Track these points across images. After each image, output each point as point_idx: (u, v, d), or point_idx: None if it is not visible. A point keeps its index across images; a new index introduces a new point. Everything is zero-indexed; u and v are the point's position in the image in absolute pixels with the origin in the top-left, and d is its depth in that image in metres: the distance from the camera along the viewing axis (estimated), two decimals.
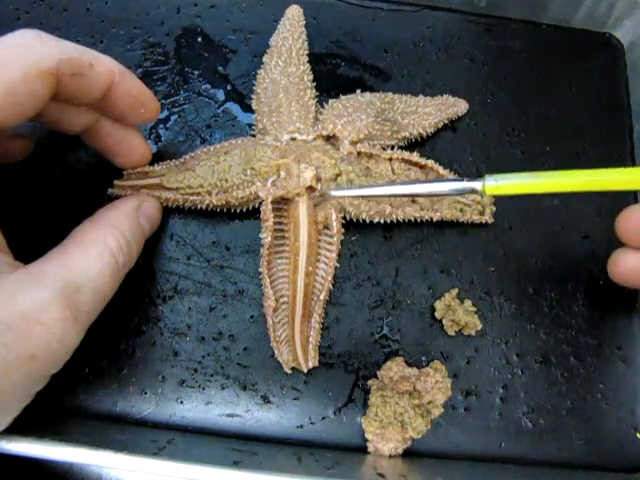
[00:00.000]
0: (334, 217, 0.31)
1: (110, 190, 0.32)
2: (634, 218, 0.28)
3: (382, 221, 0.32)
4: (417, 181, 0.31)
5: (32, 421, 0.25)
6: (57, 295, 0.23)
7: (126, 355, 0.31)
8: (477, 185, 0.27)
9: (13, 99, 0.23)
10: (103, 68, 0.26)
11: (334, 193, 0.31)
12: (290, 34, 0.35)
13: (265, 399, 0.30)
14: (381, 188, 0.30)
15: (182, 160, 0.32)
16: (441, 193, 0.29)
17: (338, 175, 0.31)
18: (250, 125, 0.35)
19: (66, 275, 0.24)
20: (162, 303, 0.32)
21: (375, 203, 0.31)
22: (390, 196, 0.31)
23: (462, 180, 0.28)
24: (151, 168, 0.32)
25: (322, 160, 0.31)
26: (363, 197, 0.31)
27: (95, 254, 0.25)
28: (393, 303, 0.33)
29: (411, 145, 0.36)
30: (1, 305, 0.22)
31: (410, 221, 0.33)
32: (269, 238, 0.30)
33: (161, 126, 0.35)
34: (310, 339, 0.30)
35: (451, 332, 0.32)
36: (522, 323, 0.33)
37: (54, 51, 0.24)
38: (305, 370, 0.30)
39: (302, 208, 0.31)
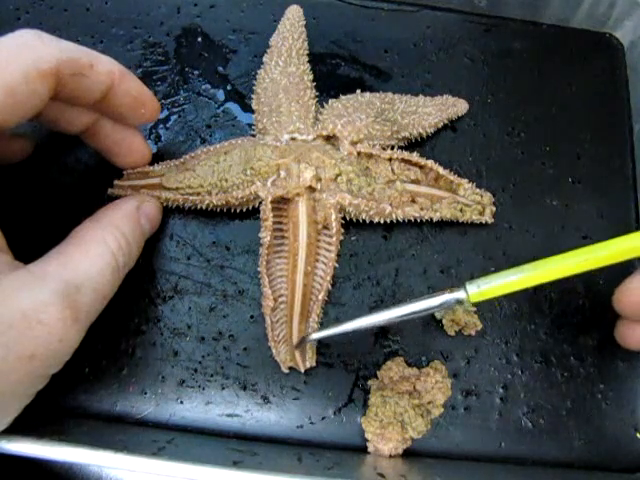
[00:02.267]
0: (334, 217, 0.31)
1: (110, 190, 0.32)
2: (633, 295, 0.28)
3: (382, 221, 0.32)
4: (396, 306, 0.27)
5: (32, 421, 0.25)
6: (57, 295, 0.23)
7: (126, 355, 0.31)
8: (460, 295, 0.26)
9: (13, 99, 0.23)
10: (103, 68, 0.26)
11: (314, 337, 0.28)
12: (290, 34, 0.35)
13: (265, 399, 0.30)
14: (362, 320, 0.27)
15: (182, 160, 0.32)
16: (426, 310, 0.27)
17: (338, 175, 0.31)
18: (250, 125, 0.35)
19: (66, 275, 0.24)
20: (162, 303, 0.32)
21: (375, 203, 0.31)
22: (374, 325, 0.28)
23: (443, 293, 0.27)
24: (151, 168, 0.32)
25: (322, 160, 0.31)
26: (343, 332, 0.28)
27: (95, 254, 0.25)
28: (393, 303, 0.33)
29: (411, 145, 0.36)
30: (1, 305, 0.22)
31: (410, 221, 0.33)
32: (268, 238, 0.30)
33: (161, 126, 0.35)
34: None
35: (451, 332, 0.32)
36: (522, 323, 0.33)
37: (54, 51, 0.24)
38: (302, 370, 0.30)
39: (302, 208, 0.31)
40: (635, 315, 0.28)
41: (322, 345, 0.31)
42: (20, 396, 0.23)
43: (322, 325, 0.31)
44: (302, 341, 0.29)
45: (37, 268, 0.24)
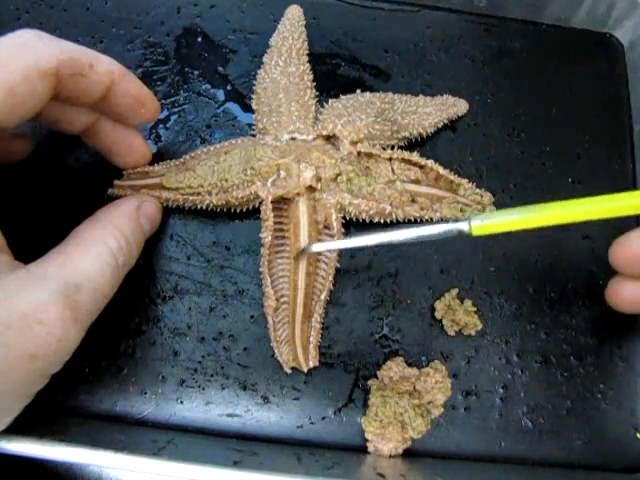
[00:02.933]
0: (334, 217, 0.31)
1: (110, 190, 0.32)
2: (628, 248, 0.28)
3: (382, 221, 0.32)
4: (403, 227, 0.28)
5: (32, 421, 0.25)
6: (57, 295, 0.23)
7: (126, 355, 0.31)
8: (463, 226, 0.27)
9: (13, 99, 0.23)
10: (103, 68, 0.26)
11: (315, 249, 0.29)
12: (290, 34, 0.35)
13: (265, 399, 0.30)
14: (365, 237, 0.28)
15: (182, 160, 0.32)
16: (427, 237, 0.28)
17: (338, 175, 0.31)
18: (250, 125, 0.35)
19: (66, 275, 0.24)
20: (162, 303, 0.32)
21: (375, 202, 0.31)
22: (375, 245, 0.29)
23: (447, 223, 0.27)
24: (151, 168, 0.32)
25: (322, 160, 0.31)
26: (346, 248, 0.29)
27: (95, 254, 0.25)
28: (393, 303, 0.33)
29: (411, 145, 0.36)
30: (1, 305, 0.22)
31: (410, 221, 0.33)
32: (269, 238, 0.30)
33: (161, 126, 0.35)
34: (310, 339, 0.30)
35: (451, 332, 0.32)
36: (522, 323, 0.33)
37: (54, 51, 0.24)
38: (305, 370, 0.30)
39: (302, 208, 0.31)
40: (627, 269, 0.28)
41: (323, 345, 0.31)
42: (20, 396, 0.23)
43: (323, 325, 0.31)
44: (303, 252, 0.30)
45: (37, 268, 0.24)
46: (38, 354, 0.22)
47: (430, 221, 0.33)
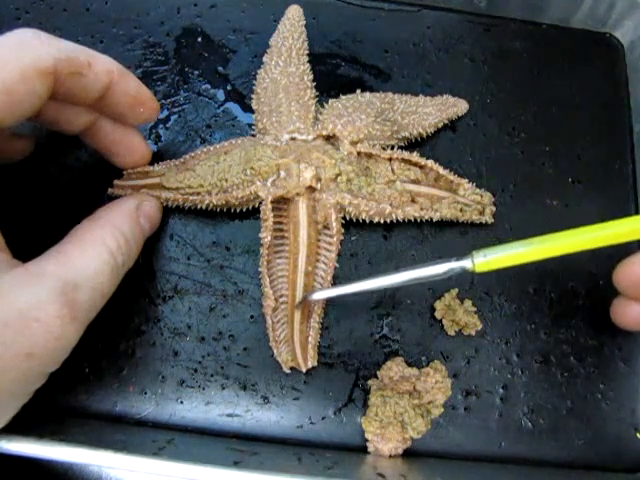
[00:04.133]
0: (334, 217, 0.31)
1: (110, 190, 0.32)
2: (632, 271, 0.28)
3: (382, 221, 0.32)
4: (401, 270, 0.27)
5: (32, 421, 0.25)
6: (55, 293, 0.23)
7: (126, 355, 0.31)
8: (466, 264, 0.26)
9: (11, 98, 0.23)
10: (101, 67, 0.26)
11: (315, 296, 0.29)
12: (290, 34, 0.35)
13: (265, 399, 0.30)
14: (365, 282, 0.27)
15: (182, 160, 0.32)
16: (430, 277, 0.27)
17: (338, 175, 0.31)
18: (250, 125, 0.35)
19: (64, 273, 0.24)
20: (162, 303, 0.32)
21: (375, 203, 0.31)
22: (376, 288, 0.28)
23: (450, 261, 0.26)
24: (151, 168, 0.32)
25: (322, 160, 0.31)
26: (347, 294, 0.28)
27: (94, 253, 0.25)
28: (393, 303, 0.33)
29: (411, 145, 0.36)
30: None
31: (410, 221, 0.33)
32: (269, 238, 0.30)
33: (161, 126, 0.35)
34: (309, 339, 0.30)
35: (451, 332, 0.32)
36: (522, 323, 0.33)
37: (52, 50, 0.24)
38: (304, 370, 0.30)
39: (302, 208, 0.31)
40: (631, 292, 0.28)
41: (322, 345, 0.31)
42: (18, 394, 0.23)
43: (323, 325, 0.31)
44: (303, 300, 0.29)
45: (35, 266, 0.24)
46: (35, 352, 0.22)
47: (430, 221, 0.33)
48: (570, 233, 0.26)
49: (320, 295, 0.29)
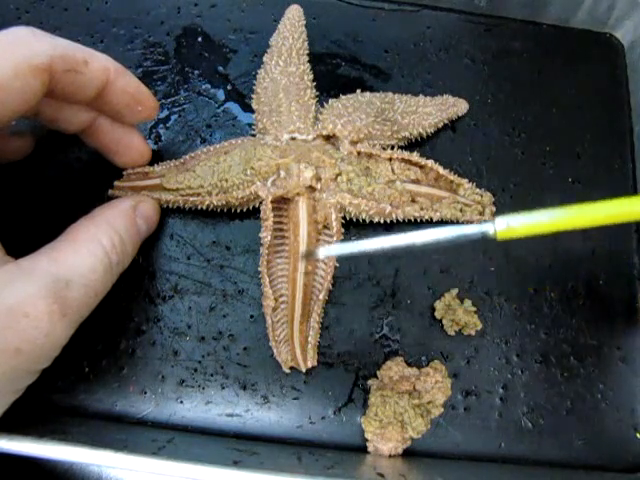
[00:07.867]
0: (334, 217, 0.31)
1: (110, 191, 0.32)
2: None
3: (382, 221, 0.32)
4: (422, 228, 0.27)
5: (32, 421, 0.25)
6: (45, 289, 0.23)
7: (126, 355, 0.31)
8: (488, 228, 0.24)
9: (5, 94, 0.23)
10: (98, 65, 0.26)
11: (321, 254, 0.27)
12: (290, 34, 0.35)
13: (265, 399, 0.30)
14: (380, 240, 0.26)
15: (182, 160, 0.32)
16: (448, 240, 0.25)
17: (338, 175, 0.31)
18: (250, 125, 0.35)
19: (56, 270, 0.24)
20: (162, 303, 0.32)
21: (375, 202, 0.31)
22: (388, 249, 0.26)
23: (471, 224, 0.25)
24: (151, 169, 0.32)
25: (322, 160, 0.31)
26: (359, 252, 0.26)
27: (87, 251, 0.25)
28: (393, 303, 0.33)
29: (411, 145, 0.36)
30: None
31: (410, 221, 0.33)
32: (269, 237, 0.30)
33: (161, 126, 0.35)
34: (309, 339, 0.30)
35: (451, 332, 0.32)
36: (522, 323, 0.33)
37: (47, 47, 0.24)
38: (304, 370, 0.30)
39: (302, 208, 0.31)
40: None
41: (322, 345, 0.31)
42: (7, 391, 0.23)
43: (323, 325, 0.31)
44: (310, 254, 0.29)
45: (27, 262, 0.24)
46: (23, 348, 0.22)
47: (430, 221, 0.33)
48: (596, 205, 0.24)
49: (328, 251, 0.27)
